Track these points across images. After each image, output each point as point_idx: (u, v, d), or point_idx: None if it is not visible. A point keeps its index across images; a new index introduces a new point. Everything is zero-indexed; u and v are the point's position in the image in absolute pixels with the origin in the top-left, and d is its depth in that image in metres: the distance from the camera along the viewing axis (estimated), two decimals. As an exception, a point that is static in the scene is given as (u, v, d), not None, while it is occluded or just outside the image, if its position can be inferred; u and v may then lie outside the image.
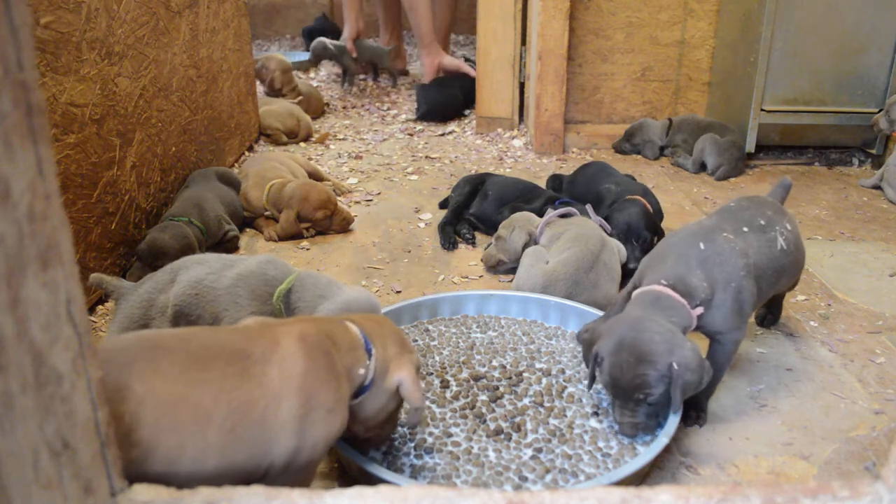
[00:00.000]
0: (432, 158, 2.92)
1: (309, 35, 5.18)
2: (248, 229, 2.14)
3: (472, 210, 2.10)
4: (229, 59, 2.71)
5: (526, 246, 1.71)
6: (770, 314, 1.54)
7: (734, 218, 1.28)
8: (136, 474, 0.71)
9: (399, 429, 1.12)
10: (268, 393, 0.79)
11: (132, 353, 0.76)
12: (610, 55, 3.00)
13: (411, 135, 3.32)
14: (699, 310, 1.16)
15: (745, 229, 1.25)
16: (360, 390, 0.93)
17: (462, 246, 2.01)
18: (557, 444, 1.10)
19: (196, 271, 1.27)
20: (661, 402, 1.09)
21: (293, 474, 0.83)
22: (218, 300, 1.23)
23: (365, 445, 1.06)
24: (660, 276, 1.17)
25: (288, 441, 0.80)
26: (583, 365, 1.31)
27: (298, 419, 0.81)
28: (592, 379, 1.16)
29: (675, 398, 1.07)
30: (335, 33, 4.96)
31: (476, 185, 2.14)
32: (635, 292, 1.20)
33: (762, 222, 1.28)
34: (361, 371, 0.91)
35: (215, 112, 2.51)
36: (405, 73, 4.53)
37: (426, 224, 2.19)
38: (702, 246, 1.19)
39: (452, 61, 3.91)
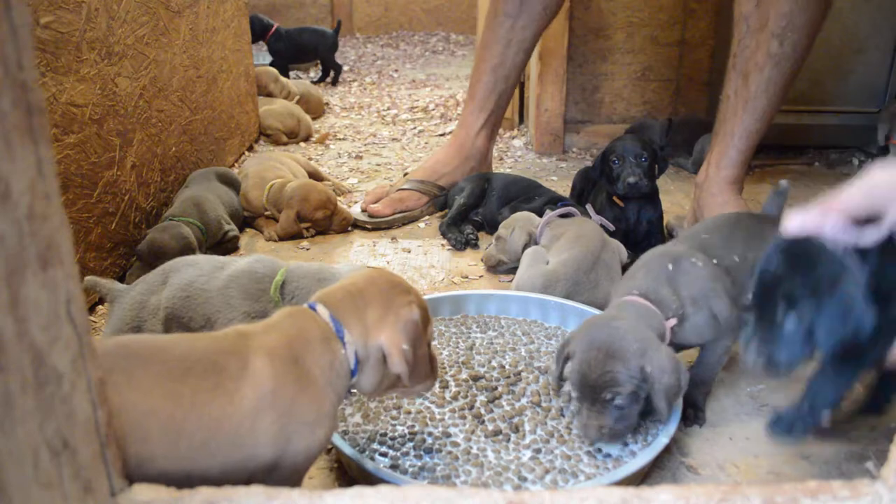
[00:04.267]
0: (432, 158, 2.92)
1: None
2: (248, 229, 2.14)
3: (480, 210, 2.08)
4: (229, 59, 2.71)
5: (526, 246, 1.71)
6: None
7: (703, 233, 1.29)
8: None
9: (399, 429, 1.12)
10: (240, 410, 0.78)
11: (110, 363, 0.75)
12: (610, 55, 3.00)
13: (412, 135, 3.32)
14: (673, 321, 1.16)
15: (714, 261, 1.23)
16: (351, 374, 0.89)
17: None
18: (556, 444, 1.10)
19: (187, 273, 1.27)
20: (629, 407, 1.06)
21: (278, 483, 0.82)
22: (210, 302, 1.23)
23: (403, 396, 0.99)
24: (631, 288, 1.19)
25: (266, 455, 0.80)
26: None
27: (274, 435, 0.80)
28: (559, 378, 1.15)
29: (659, 406, 1.05)
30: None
31: (483, 185, 2.12)
32: (611, 304, 1.20)
33: (736, 260, 1.24)
34: (339, 362, 0.87)
35: (215, 112, 2.51)
36: None
37: (426, 224, 2.18)
38: (670, 267, 1.20)
39: None
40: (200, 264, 1.29)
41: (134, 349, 0.79)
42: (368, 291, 0.92)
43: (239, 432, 0.78)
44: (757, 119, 1.79)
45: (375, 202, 2.17)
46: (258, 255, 1.32)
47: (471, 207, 2.07)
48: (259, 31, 4.25)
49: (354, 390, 0.94)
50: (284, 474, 0.82)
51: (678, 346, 1.22)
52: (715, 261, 1.23)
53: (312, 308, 0.90)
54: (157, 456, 0.73)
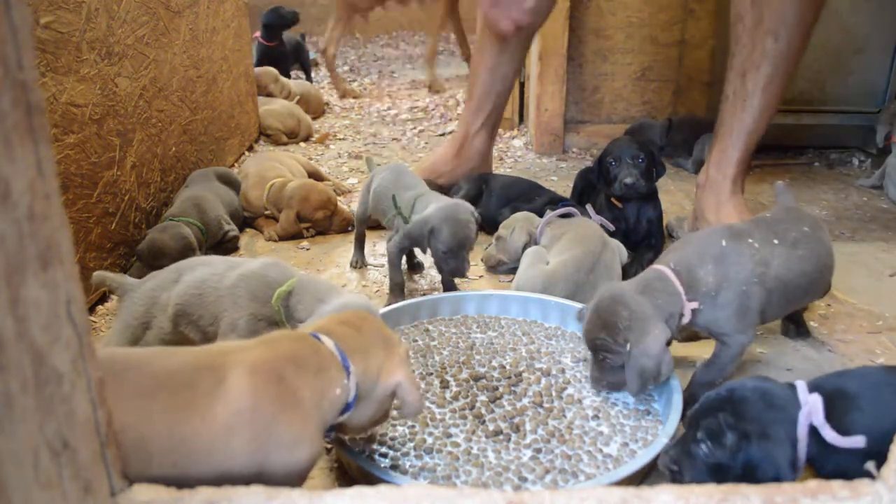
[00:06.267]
0: (432, 158, 2.92)
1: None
2: (248, 229, 2.14)
3: (479, 210, 2.07)
4: (229, 59, 2.71)
5: (526, 246, 1.71)
6: (800, 325, 1.51)
7: (767, 227, 1.27)
8: None
9: (399, 429, 1.12)
10: (213, 428, 0.76)
11: None
12: (610, 55, 3.00)
13: (412, 135, 3.32)
14: (695, 304, 1.17)
15: (776, 241, 1.24)
16: (344, 408, 0.89)
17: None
18: (557, 444, 1.10)
19: (200, 272, 1.27)
20: (622, 368, 1.16)
21: None
22: (219, 301, 1.23)
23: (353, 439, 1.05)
24: (671, 260, 1.21)
25: (243, 472, 0.78)
26: (581, 365, 1.31)
27: (251, 454, 0.78)
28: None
29: (629, 380, 1.14)
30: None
31: (479, 186, 2.12)
32: (647, 269, 1.23)
33: (795, 236, 1.26)
34: (338, 392, 0.86)
35: (215, 112, 2.51)
36: None
37: (426, 224, 2.18)
38: (723, 243, 1.21)
39: None
40: (215, 263, 1.29)
41: (118, 363, 0.78)
42: (366, 331, 0.94)
43: (211, 450, 0.76)
44: (755, 118, 1.80)
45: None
46: (275, 259, 1.30)
47: None
48: (286, 22, 3.99)
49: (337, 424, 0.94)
50: None
51: (701, 328, 1.23)
52: (776, 241, 1.24)
53: (316, 338, 0.90)
54: (136, 472, 0.72)
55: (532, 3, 2.03)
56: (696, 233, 1.29)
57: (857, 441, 0.88)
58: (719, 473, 0.93)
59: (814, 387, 0.95)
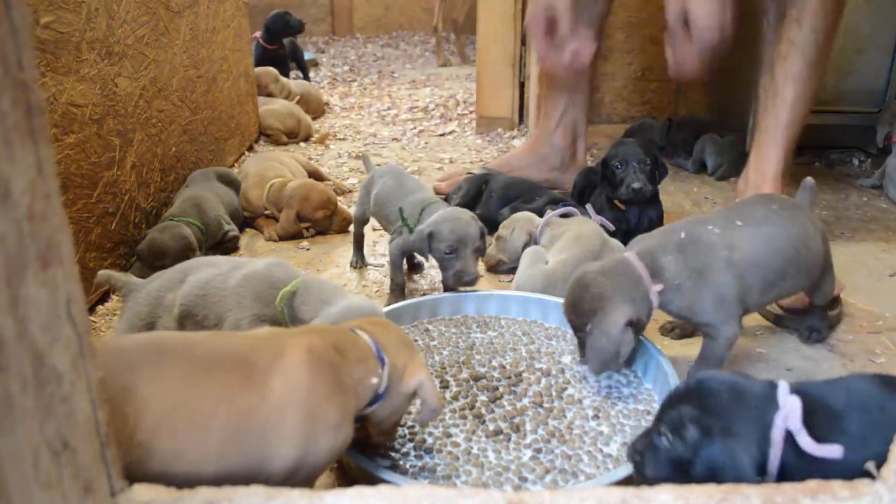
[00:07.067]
0: (432, 158, 2.92)
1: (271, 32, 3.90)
2: (248, 229, 2.14)
3: (479, 211, 2.07)
4: (229, 59, 2.71)
5: (526, 246, 1.71)
6: (815, 330, 1.48)
7: (731, 212, 1.28)
8: (137, 475, 0.71)
9: (399, 429, 1.12)
10: (269, 404, 0.78)
11: (140, 355, 0.76)
12: (610, 55, 3.00)
13: (412, 135, 3.32)
14: (659, 286, 1.19)
15: (739, 223, 1.23)
16: (374, 399, 0.92)
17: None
18: (557, 444, 1.10)
19: (205, 272, 1.27)
20: None
21: (293, 486, 0.82)
22: (224, 301, 1.23)
23: (373, 448, 1.06)
24: (635, 248, 1.25)
25: (288, 453, 0.80)
26: (581, 365, 1.32)
27: (301, 433, 0.80)
28: None
29: (589, 360, 1.20)
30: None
31: (479, 186, 2.12)
32: (613, 257, 1.28)
33: (761, 215, 1.25)
34: (374, 381, 0.91)
35: (215, 112, 2.51)
36: None
37: (426, 224, 2.18)
38: (682, 235, 1.23)
39: None
40: (220, 264, 1.29)
41: (163, 344, 0.80)
42: (392, 331, 1.00)
43: (266, 427, 0.78)
44: (790, 110, 1.75)
45: (444, 181, 2.43)
46: (279, 259, 1.30)
47: (464, 207, 2.05)
48: (291, 31, 3.94)
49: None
50: (299, 480, 0.82)
51: (679, 317, 1.26)
52: (739, 222, 1.24)
53: (352, 332, 0.95)
54: (186, 451, 0.74)
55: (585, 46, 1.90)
56: (669, 224, 1.31)
57: (834, 451, 0.81)
58: (680, 468, 0.86)
59: (796, 389, 0.87)
